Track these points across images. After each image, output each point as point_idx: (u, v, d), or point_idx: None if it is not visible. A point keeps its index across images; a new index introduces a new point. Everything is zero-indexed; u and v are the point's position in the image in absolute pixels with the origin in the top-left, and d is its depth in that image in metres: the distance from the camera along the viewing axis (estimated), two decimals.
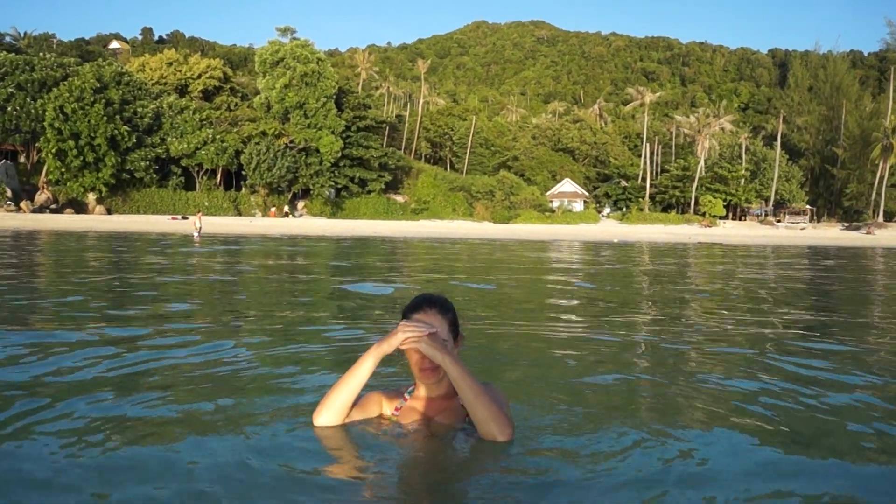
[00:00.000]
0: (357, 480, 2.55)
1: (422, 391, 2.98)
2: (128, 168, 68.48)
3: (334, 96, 77.68)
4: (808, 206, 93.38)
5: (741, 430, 3.32)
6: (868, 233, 70.45)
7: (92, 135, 64.48)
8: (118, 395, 3.64)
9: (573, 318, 7.97)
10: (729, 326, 7.39)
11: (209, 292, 10.04)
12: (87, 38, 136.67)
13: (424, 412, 2.95)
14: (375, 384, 3.18)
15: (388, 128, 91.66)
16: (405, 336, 2.77)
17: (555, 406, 3.56)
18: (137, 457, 2.72)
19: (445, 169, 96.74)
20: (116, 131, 65.73)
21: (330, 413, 2.90)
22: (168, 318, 7.01)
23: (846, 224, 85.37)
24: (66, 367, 4.32)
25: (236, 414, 3.28)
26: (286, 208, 76.12)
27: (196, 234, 34.30)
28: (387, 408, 3.02)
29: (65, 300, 8.42)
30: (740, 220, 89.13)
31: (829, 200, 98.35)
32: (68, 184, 66.50)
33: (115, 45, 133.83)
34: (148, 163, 69.89)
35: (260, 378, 4.18)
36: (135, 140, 68.00)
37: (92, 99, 64.75)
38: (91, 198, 67.68)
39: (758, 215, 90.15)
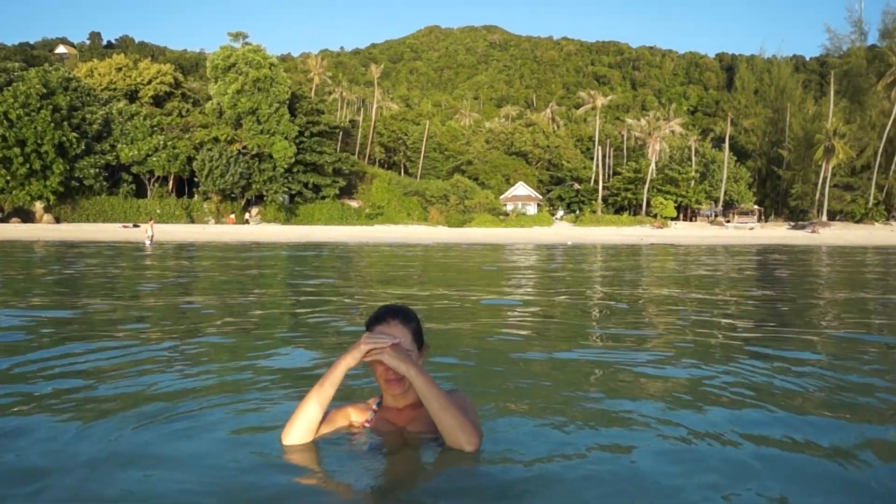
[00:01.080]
0: (331, 495, 2.56)
1: (390, 402, 2.97)
2: (77, 175, 67.23)
3: (287, 102, 77.30)
4: (756, 207, 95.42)
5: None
6: (813, 231, 72.27)
7: (39, 142, 63.23)
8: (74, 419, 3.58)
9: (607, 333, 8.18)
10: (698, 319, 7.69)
11: (170, 310, 10.05)
12: (32, 42, 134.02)
13: (394, 422, 2.94)
14: (343, 398, 3.13)
15: (341, 133, 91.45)
16: (368, 348, 2.77)
17: (523, 413, 3.60)
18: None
19: (399, 174, 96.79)
20: (64, 138, 64.55)
21: (298, 431, 2.84)
22: (127, 333, 7.06)
23: (792, 223, 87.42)
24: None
25: (199, 439, 3.16)
26: (247, 215, 75.66)
27: (148, 243, 33.95)
28: (356, 420, 3.01)
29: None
30: (691, 220, 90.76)
31: (775, 200, 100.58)
32: (14, 192, 64.99)
33: (61, 49, 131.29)
34: (97, 170, 68.73)
35: (220, 396, 4.02)
36: (84, 147, 66.84)
37: (38, 105, 63.49)
38: (38, 206, 66.29)
39: (708, 216, 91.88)
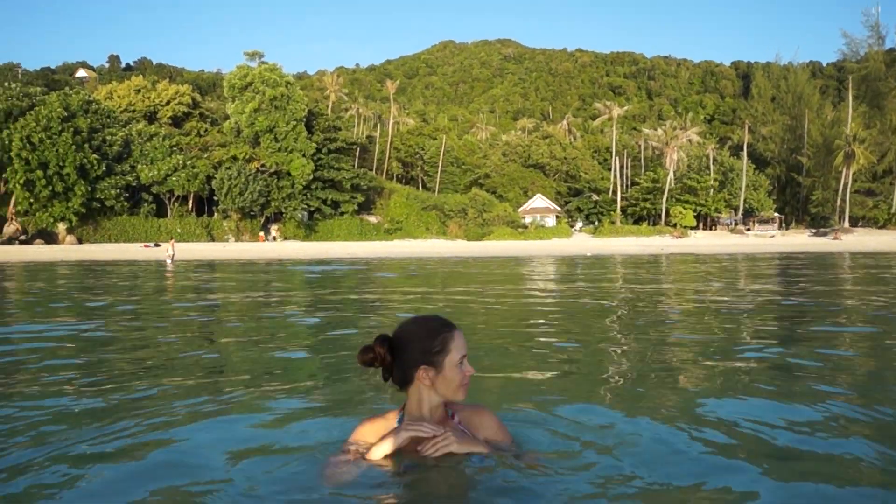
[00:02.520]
0: None
1: (417, 418, 2.79)
2: (98, 197, 67.84)
3: (304, 119, 77.72)
4: (776, 214, 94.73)
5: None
6: (835, 238, 71.69)
7: (60, 164, 63.91)
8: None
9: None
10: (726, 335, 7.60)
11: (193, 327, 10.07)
12: (52, 66, 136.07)
13: (424, 439, 2.73)
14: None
15: (358, 149, 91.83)
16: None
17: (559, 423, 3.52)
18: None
19: (417, 188, 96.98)
20: (85, 160, 65.22)
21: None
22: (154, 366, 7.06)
23: (814, 230, 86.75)
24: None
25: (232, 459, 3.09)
26: (273, 233, 76.18)
27: (169, 262, 34.15)
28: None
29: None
30: (711, 229, 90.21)
31: (796, 208, 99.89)
32: (37, 214, 65.68)
33: (81, 73, 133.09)
34: (118, 191, 69.33)
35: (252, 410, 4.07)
36: (104, 168, 67.51)
37: (59, 128, 64.23)
38: (61, 228, 66.93)
39: (728, 224, 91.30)
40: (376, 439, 2.77)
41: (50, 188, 64.13)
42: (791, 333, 7.77)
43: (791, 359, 5.86)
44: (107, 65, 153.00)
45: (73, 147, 64.33)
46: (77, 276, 23.21)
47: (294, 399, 4.31)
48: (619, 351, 6.42)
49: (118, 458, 3.12)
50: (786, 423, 3.54)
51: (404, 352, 2.74)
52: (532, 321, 8.99)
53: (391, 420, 2.86)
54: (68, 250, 55.12)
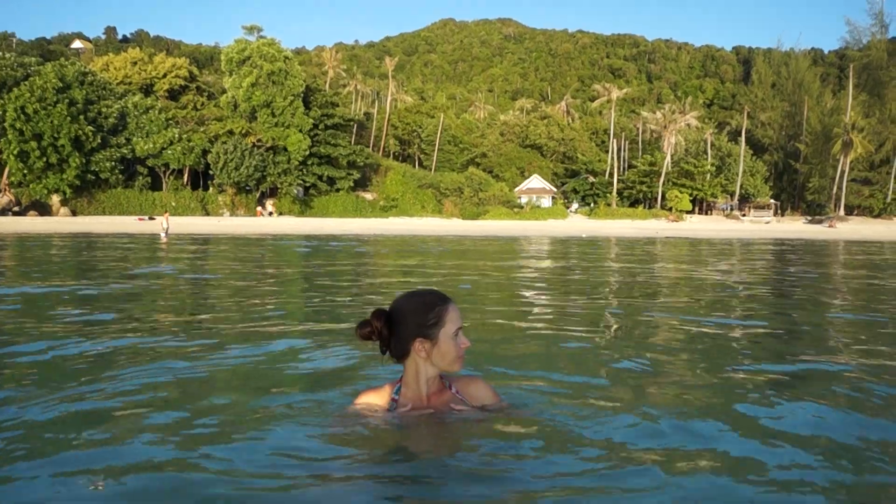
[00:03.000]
0: (361, 473, 2.55)
1: (413, 388, 2.90)
2: (93, 169, 67.51)
3: (302, 94, 77.37)
4: (772, 201, 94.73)
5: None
6: (830, 226, 71.77)
7: (55, 135, 63.51)
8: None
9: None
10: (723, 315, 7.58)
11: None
12: (48, 37, 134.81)
13: (423, 406, 2.89)
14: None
15: (355, 126, 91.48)
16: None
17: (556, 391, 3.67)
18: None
19: (414, 166, 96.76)
20: (80, 132, 64.79)
21: None
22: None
23: (809, 218, 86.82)
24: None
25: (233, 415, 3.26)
26: (270, 208, 76.09)
27: (163, 235, 34.05)
28: (378, 404, 2.96)
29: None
30: (706, 214, 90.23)
31: (792, 194, 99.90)
32: (31, 186, 65.37)
33: (77, 44, 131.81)
34: (113, 163, 68.99)
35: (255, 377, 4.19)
36: (99, 140, 67.10)
37: (55, 99, 63.78)
38: (55, 199, 66.69)
39: (723, 210, 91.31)
40: (378, 401, 2.95)
41: (44, 159, 63.80)
42: (775, 314, 7.76)
43: (770, 329, 5.84)
44: (103, 36, 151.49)
45: (68, 118, 63.88)
46: (73, 249, 23.12)
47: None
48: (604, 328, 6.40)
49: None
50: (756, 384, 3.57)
51: (400, 325, 2.82)
52: (524, 300, 8.97)
53: (387, 391, 2.95)
54: (62, 222, 54.96)
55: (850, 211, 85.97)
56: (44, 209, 65.68)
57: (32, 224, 49.73)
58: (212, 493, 2.36)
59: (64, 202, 66.98)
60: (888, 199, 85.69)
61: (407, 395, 2.90)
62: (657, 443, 2.89)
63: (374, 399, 2.95)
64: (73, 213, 66.50)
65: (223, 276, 13.16)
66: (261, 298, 9.04)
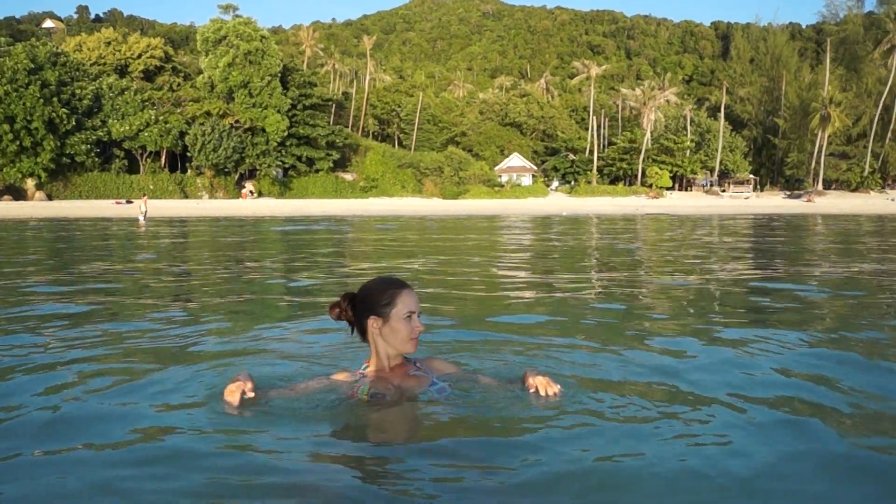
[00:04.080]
0: (336, 448, 2.63)
1: (376, 362, 3.12)
2: (68, 152, 66.49)
3: (279, 74, 76.59)
4: (751, 176, 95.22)
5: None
6: (808, 200, 72.27)
7: (28, 118, 62.46)
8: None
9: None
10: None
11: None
12: (18, 16, 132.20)
13: (389, 381, 3.06)
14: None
15: (334, 105, 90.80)
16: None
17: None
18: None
19: (394, 146, 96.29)
20: (54, 114, 63.73)
21: None
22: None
23: (788, 192, 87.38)
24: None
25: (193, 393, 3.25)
26: (251, 188, 75.57)
27: (142, 218, 33.70)
28: (343, 382, 3.14)
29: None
30: (686, 190, 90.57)
31: (771, 170, 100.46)
32: (4, 169, 64.21)
33: (48, 23, 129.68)
34: (89, 146, 68.02)
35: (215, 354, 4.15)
36: (74, 123, 66.04)
37: (26, 80, 62.64)
38: (30, 183, 65.68)
39: (703, 186, 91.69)
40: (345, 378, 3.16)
41: (17, 143, 62.76)
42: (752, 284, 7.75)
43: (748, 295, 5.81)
44: (75, 15, 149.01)
45: (41, 100, 62.81)
46: (48, 234, 22.78)
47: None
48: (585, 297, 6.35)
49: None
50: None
51: (361, 305, 3.11)
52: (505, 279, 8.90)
53: (355, 373, 3.17)
54: (37, 207, 54.27)
55: (828, 185, 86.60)
56: (18, 193, 64.65)
57: (7, 209, 49.01)
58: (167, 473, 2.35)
59: (39, 186, 65.99)
60: (865, 173, 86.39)
61: (371, 369, 3.13)
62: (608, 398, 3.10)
63: (342, 375, 3.18)
64: (49, 198, 65.57)
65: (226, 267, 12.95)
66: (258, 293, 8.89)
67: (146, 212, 35.39)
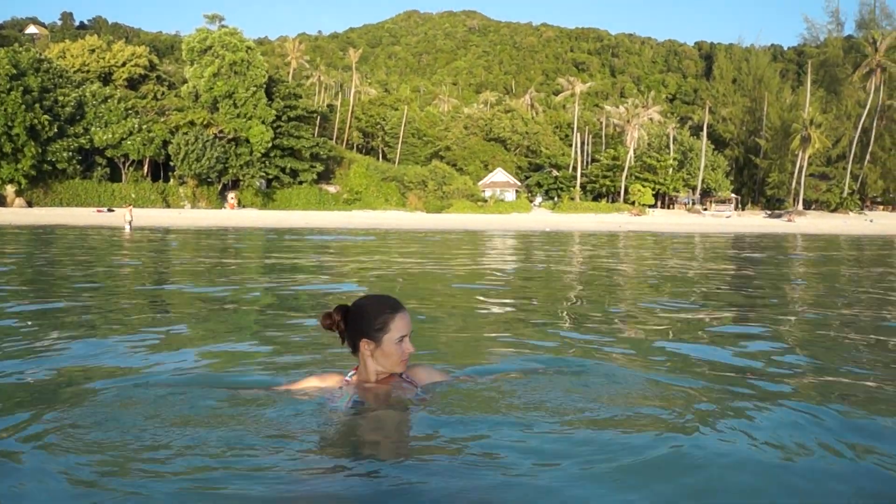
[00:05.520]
0: (319, 455, 2.60)
1: (363, 374, 3.13)
2: (49, 159, 66.05)
3: (264, 86, 76.57)
4: (732, 195, 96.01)
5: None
6: (789, 220, 72.92)
7: (9, 124, 62.02)
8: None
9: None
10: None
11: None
12: (0, 22, 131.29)
13: (372, 391, 3.09)
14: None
15: (319, 118, 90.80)
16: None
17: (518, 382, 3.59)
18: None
19: (378, 159, 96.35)
20: (36, 120, 63.31)
21: None
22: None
23: (769, 212, 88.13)
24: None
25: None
26: (233, 200, 75.31)
27: (127, 228, 33.54)
28: (329, 386, 3.17)
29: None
30: (669, 208, 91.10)
31: (752, 189, 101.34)
32: None
33: (32, 29, 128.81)
34: (71, 153, 67.60)
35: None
36: (56, 130, 65.64)
37: (8, 86, 62.24)
38: (10, 190, 65.13)
39: (685, 204, 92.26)
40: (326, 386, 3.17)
41: None
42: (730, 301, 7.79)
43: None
44: (59, 22, 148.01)
45: (23, 107, 62.40)
46: (30, 242, 22.55)
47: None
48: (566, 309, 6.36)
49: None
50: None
51: (354, 323, 3.10)
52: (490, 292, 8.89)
53: (341, 374, 3.21)
54: (17, 214, 53.77)
55: (807, 205, 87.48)
56: None
57: None
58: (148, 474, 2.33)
59: (19, 193, 65.45)
60: (844, 194, 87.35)
61: (356, 377, 3.16)
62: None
63: (323, 383, 3.19)
64: (29, 205, 65.02)
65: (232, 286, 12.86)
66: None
67: (131, 221, 35.24)
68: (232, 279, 11.01)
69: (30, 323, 6.10)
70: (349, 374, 3.18)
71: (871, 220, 71.68)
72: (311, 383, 3.20)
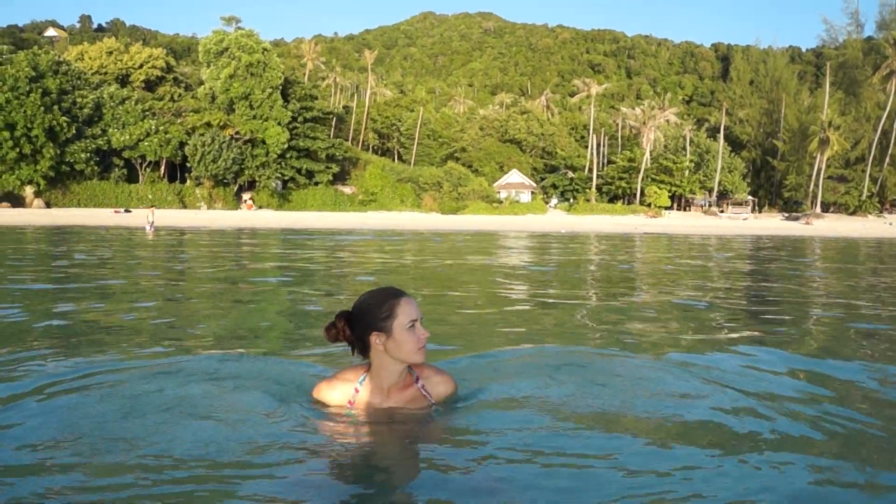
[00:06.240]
0: (321, 469, 2.55)
1: (376, 381, 3.00)
2: (67, 160, 66.56)
3: (280, 87, 76.80)
4: (749, 197, 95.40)
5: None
6: (807, 223, 72.37)
7: (28, 125, 62.52)
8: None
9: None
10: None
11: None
12: (20, 24, 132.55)
13: (387, 400, 3.00)
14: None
15: (335, 119, 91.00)
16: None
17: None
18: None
19: (393, 160, 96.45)
20: (55, 122, 63.81)
21: None
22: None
23: (786, 214, 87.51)
24: None
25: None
26: (249, 200, 75.64)
27: (149, 228, 33.82)
28: (338, 399, 3.05)
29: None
30: (685, 210, 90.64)
31: (769, 191, 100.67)
32: (3, 177, 64.15)
33: (51, 32, 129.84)
34: (88, 155, 68.07)
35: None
36: (74, 131, 66.13)
37: (27, 88, 62.75)
38: (29, 191, 65.64)
39: (702, 206, 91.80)
40: (335, 398, 3.05)
41: (17, 150, 62.79)
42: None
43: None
44: (78, 25, 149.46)
45: (42, 108, 62.91)
46: (52, 241, 22.67)
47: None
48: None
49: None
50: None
51: (359, 322, 2.96)
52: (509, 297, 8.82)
53: (353, 381, 3.05)
54: (36, 214, 54.19)
55: (825, 208, 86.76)
56: (17, 201, 64.57)
57: (5, 216, 48.86)
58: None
59: (38, 194, 65.95)
60: (863, 197, 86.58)
61: (370, 385, 3.01)
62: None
63: (334, 393, 3.06)
64: (48, 205, 65.52)
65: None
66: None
67: (153, 222, 35.58)
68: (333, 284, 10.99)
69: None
70: (361, 379, 3.04)
71: (890, 224, 70.99)
72: (325, 396, 3.07)
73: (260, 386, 3.45)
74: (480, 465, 2.55)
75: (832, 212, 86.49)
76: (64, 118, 64.90)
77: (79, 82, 70.49)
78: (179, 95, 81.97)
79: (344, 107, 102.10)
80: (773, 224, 72.26)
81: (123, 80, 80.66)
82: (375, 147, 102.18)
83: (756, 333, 6.33)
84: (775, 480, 2.48)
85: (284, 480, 2.41)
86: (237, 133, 74.08)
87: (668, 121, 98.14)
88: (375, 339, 2.91)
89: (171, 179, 76.30)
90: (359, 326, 2.96)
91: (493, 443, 2.76)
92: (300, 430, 2.84)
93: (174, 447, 2.64)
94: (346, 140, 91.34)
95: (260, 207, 75.23)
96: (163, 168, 75.29)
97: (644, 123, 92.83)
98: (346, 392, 3.03)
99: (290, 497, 2.28)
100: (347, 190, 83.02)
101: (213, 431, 2.81)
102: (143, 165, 73.34)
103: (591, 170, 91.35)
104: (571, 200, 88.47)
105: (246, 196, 76.57)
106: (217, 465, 2.50)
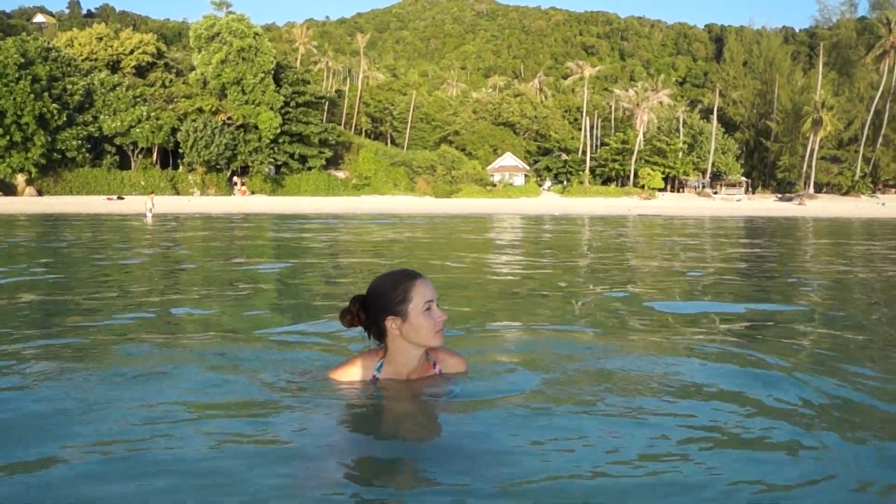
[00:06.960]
0: (339, 452, 2.47)
1: (394, 366, 2.93)
2: (59, 147, 66.23)
3: (272, 72, 76.47)
4: (743, 178, 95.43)
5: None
6: (800, 203, 72.56)
7: (18, 113, 62.15)
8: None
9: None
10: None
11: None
12: (8, 10, 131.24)
13: (405, 385, 2.94)
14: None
15: (327, 103, 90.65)
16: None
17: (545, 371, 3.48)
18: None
19: (386, 144, 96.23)
20: (45, 109, 63.43)
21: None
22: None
23: (780, 195, 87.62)
24: None
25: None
26: (242, 186, 75.56)
27: (149, 215, 33.71)
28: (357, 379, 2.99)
29: None
30: (678, 192, 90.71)
31: (763, 172, 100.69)
32: None
33: (39, 18, 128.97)
34: (80, 142, 67.77)
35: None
36: (65, 118, 65.77)
37: (17, 75, 62.32)
38: (20, 179, 65.35)
39: (695, 187, 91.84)
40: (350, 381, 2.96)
41: (7, 138, 62.49)
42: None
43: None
44: (66, 10, 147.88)
45: (32, 96, 62.53)
46: (47, 234, 22.58)
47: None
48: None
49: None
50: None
51: (374, 306, 2.89)
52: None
53: (369, 367, 2.96)
54: (28, 202, 53.96)
55: (819, 188, 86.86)
56: (8, 189, 64.26)
57: None
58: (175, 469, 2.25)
59: (29, 182, 65.67)
60: (856, 177, 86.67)
61: (388, 371, 2.94)
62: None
63: (351, 373, 2.98)
64: (39, 193, 65.26)
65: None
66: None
67: (152, 208, 35.48)
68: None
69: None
70: (377, 366, 2.95)
71: (883, 204, 71.17)
72: (344, 376, 2.98)
73: (265, 372, 3.37)
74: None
75: (825, 192, 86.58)
76: (54, 105, 64.53)
77: (69, 69, 70.03)
78: (171, 81, 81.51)
79: (336, 91, 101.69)
80: (766, 205, 72.39)
81: (114, 67, 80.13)
82: (368, 131, 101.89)
83: (753, 323, 6.32)
84: (779, 468, 2.48)
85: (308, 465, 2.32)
86: (229, 118, 73.80)
87: (661, 102, 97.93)
88: (391, 324, 2.85)
89: (164, 166, 76.05)
90: (373, 311, 2.90)
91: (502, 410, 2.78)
92: (323, 406, 2.82)
93: (180, 442, 2.57)
94: (339, 124, 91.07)
95: (253, 193, 75.05)
96: (155, 154, 75.00)
97: (637, 105, 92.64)
98: (364, 377, 2.97)
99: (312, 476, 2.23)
100: (341, 174, 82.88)
101: (216, 425, 2.73)
102: (136, 152, 73.04)
103: (584, 152, 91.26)
104: (565, 183, 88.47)
105: (238, 181, 76.37)
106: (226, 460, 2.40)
